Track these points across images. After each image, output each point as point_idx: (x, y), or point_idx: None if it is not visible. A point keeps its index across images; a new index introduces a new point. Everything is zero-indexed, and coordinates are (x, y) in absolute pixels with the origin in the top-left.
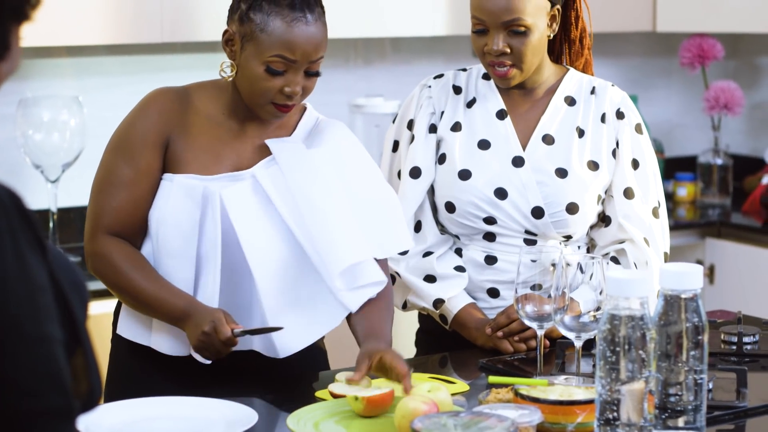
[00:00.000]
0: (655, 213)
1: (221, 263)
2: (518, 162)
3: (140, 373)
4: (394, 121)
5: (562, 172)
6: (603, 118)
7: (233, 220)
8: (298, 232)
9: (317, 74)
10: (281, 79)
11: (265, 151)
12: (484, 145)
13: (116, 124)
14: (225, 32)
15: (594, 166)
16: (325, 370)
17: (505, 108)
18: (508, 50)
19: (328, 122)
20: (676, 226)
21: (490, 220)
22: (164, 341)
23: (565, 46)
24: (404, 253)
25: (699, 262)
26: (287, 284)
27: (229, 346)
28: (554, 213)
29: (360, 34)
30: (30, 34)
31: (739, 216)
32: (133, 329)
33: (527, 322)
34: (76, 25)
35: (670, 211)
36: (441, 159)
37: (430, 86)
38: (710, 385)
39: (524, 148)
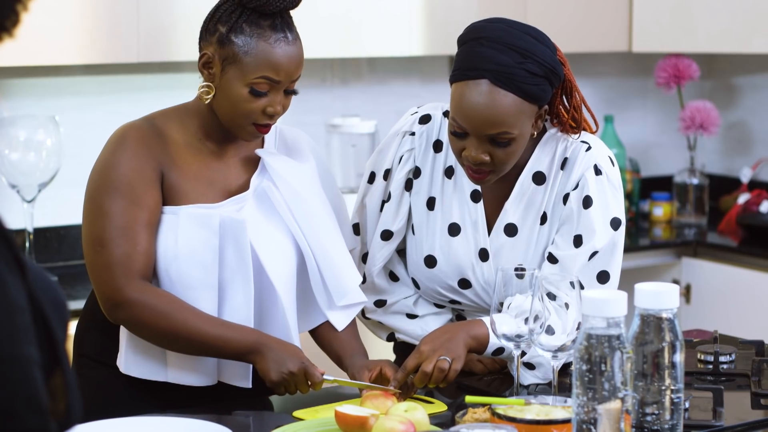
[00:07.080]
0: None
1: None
2: (483, 255)
3: (111, 393)
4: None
5: (520, 272)
6: (565, 199)
7: (253, 242)
8: (305, 245)
9: (295, 92)
10: (264, 99)
11: (248, 166)
12: (454, 230)
13: (92, 143)
14: (203, 55)
15: (553, 259)
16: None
17: (479, 189)
18: (488, 158)
19: (291, 131)
20: (652, 246)
21: (454, 302)
22: (184, 375)
23: (565, 124)
24: (381, 303)
25: (675, 281)
26: (305, 295)
27: (311, 387)
28: None
29: (336, 54)
30: (6, 53)
31: (715, 235)
32: (142, 366)
33: (504, 342)
34: (52, 45)
35: (647, 231)
36: (413, 229)
37: (413, 134)
38: (686, 405)
39: (489, 233)
